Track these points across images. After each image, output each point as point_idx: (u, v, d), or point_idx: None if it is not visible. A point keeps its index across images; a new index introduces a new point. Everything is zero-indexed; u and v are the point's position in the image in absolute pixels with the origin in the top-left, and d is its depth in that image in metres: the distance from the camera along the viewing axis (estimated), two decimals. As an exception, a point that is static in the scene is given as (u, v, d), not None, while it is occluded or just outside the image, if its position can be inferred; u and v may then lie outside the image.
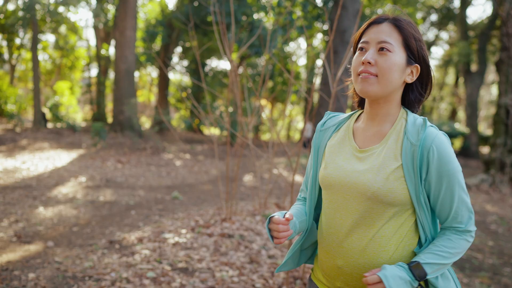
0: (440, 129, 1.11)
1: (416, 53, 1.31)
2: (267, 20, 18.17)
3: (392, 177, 1.26)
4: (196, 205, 6.60)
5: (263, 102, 24.58)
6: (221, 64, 26.67)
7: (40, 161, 9.67)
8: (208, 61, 24.74)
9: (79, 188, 7.21)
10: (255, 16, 17.80)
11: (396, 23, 1.31)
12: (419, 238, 1.34)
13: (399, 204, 1.27)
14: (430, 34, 26.02)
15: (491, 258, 4.93)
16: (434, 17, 24.90)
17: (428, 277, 1.24)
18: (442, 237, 1.31)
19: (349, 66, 1.42)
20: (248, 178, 10.44)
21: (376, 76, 1.28)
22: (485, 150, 19.90)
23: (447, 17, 23.41)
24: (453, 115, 28.09)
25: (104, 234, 4.79)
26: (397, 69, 1.28)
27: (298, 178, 10.05)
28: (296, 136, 29.38)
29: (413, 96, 1.37)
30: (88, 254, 4.05)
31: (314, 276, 1.55)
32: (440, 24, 24.75)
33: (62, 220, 5.23)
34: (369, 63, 1.28)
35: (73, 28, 24.67)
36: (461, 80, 23.94)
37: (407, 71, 1.31)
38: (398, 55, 1.28)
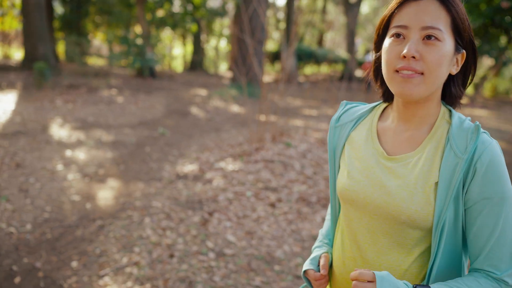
0: None
1: (465, 38, 1.04)
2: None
3: (431, 196, 1.02)
4: (190, 139, 7.39)
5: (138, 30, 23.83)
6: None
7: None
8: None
9: (69, 130, 7.40)
10: None
11: None
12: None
13: None
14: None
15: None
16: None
17: None
18: (469, 277, 1.02)
19: None
20: (195, 111, 11.18)
21: (422, 73, 1.00)
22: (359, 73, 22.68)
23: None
24: (320, 41, 30.54)
25: (153, 169, 5.48)
26: (446, 61, 1.01)
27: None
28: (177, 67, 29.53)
29: (456, 89, 1.11)
30: (173, 185, 4.82)
31: None
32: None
33: (103, 161, 5.72)
34: (414, 57, 0.99)
35: None
36: (341, 9, 26.27)
37: (453, 60, 1.04)
38: (448, 43, 1.00)
